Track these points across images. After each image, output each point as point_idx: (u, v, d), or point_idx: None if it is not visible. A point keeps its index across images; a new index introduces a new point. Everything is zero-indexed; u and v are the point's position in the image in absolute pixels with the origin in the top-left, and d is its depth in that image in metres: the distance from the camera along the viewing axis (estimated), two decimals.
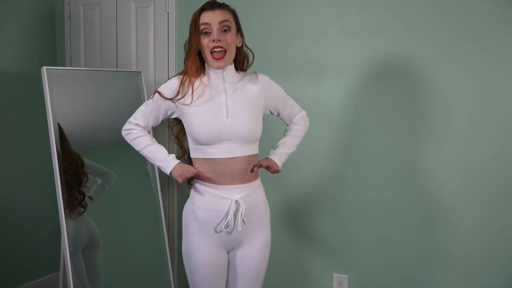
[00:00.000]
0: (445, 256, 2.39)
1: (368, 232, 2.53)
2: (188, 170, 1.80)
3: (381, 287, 2.52)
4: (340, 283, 2.59)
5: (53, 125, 2.28)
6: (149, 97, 1.91)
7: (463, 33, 2.30)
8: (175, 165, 1.82)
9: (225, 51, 1.77)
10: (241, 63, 1.91)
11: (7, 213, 2.88)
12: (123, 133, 1.92)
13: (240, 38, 1.87)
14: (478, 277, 2.33)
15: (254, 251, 1.84)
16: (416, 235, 2.44)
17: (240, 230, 1.78)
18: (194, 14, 1.81)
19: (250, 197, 1.81)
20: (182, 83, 1.80)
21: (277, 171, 1.89)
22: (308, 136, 2.58)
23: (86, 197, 2.41)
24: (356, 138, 2.53)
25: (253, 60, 1.93)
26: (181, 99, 1.80)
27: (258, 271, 1.88)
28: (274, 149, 1.96)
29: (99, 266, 2.45)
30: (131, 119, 1.92)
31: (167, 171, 1.83)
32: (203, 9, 1.80)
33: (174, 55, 2.89)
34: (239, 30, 1.86)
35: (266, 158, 1.92)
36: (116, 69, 2.99)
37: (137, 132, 1.89)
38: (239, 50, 1.88)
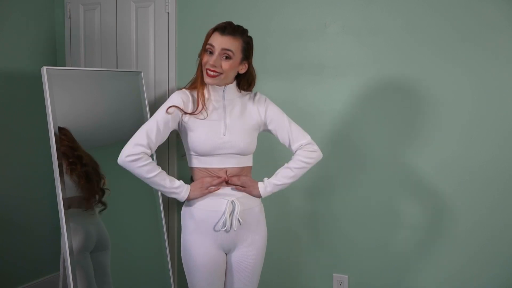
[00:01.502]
0: (445, 256, 2.39)
1: (368, 232, 2.53)
2: (204, 181, 1.82)
3: (381, 287, 2.52)
4: (340, 283, 2.59)
5: (53, 125, 2.29)
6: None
7: (463, 33, 2.30)
8: (190, 187, 1.84)
9: (219, 74, 1.80)
10: (245, 84, 1.95)
11: (7, 213, 2.88)
12: (130, 158, 1.75)
13: (246, 66, 1.88)
14: (478, 277, 2.33)
15: (251, 252, 1.88)
16: (415, 235, 2.44)
17: (235, 229, 1.82)
18: (208, 31, 1.84)
19: (244, 199, 1.86)
20: (199, 99, 1.84)
21: (248, 192, 1.88)
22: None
23: (105, 194, 2.46)
24: (355, 138, 2.53)
25: (255, 82, 1.96)
26: (197, 114, 1.84)
27: (254, 272, 1.91)
28: (268, 177, 1.93)
29: (108, 268, 2.47)
30: (139, 140, 1.77)
31: (184, 196, 1.83)
32: (216, 28, 1.82)
33: (174, 55, 2.89)
34: (246, 59, 1.86)
35: (252, 181, 1.89)
36: (116, 69, 2.99)
37: (148, 158, 1.78)
38: (245, 75, 1.92)
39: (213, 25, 1.85)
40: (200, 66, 1.86)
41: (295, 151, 1.93)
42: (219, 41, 1.79)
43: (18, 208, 2.94)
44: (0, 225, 2.84)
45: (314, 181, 2.61)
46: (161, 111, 1.83)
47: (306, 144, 1.93)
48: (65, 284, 2.44)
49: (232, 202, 1.82)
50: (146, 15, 2.94)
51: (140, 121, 2.71)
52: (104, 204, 2.46)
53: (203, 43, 1.84)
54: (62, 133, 2.33)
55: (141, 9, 2.96)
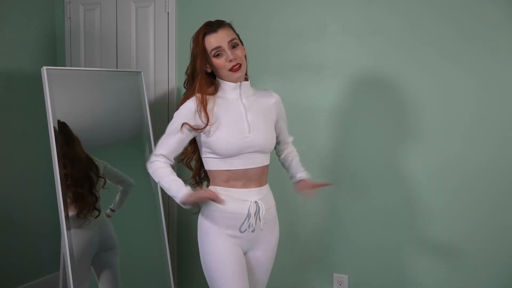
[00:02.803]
0: (445, 256, 2.39)
1: (368, 232, 2.52)
2: (201, 194, 1.73)
3: (381, 287, 2.52)
4: (340, 283, 2.59)
5: (53, 125, 2.29)
6: (169, 122, 1.83)
7: (464, 33, 2.30)
8: (186, 192, 1.74)
9: (241, 64, 1.81)
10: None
11: (8, 212, 2.88)
12: (149, 166, 1.85)
13: (243, 47, 1.89)
14: (478, 277, 2.33)
15: (268, 251, 1.91)
16: (415, 235, 2.43)
17: (262, 229, 1.84)
18: (197, 38, 1.81)
19: (264, 199, 1.87)
20: (199, 111, 1.78)
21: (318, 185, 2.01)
22: (307, 136, 2.59)
23: (99, 199, 2.43)
24: (355, 139, 2.52)
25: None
26: (205, 126, 1.79)
27: (268, 269, 1.96)
28: (298, 172, 2.05)
29: (117, 268, 2.47)
30: (159, 150, 1.83)
31: (178, 200, 1.76)
32: (205, 33, 1.80)
33: (174, 55, 2.89)
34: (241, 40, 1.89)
35: (303, 181, 2.02)
36: (116, 69, 2.99)
37: (158, 164, 1.81)
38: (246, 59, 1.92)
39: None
40: (200, 76, 1.81)
41: (285, 150, 2.07)
42: (220, 38, 1.78)
43: (18, 208, 2.94)
44: (0, 225, 2.84)
45: None
46: (175, 125, 1.80)
47: (291, 144, 2.10)
48: (65, 284, 2.44)
49: (256, 202, 1.81)
50: (146, 15, 2.94)
51: (140, 121, 2.71)
52: (97, 210, 2.42)
53: (199, 54, 1.79)
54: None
55: (141, 9, 2.96)
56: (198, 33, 1.82)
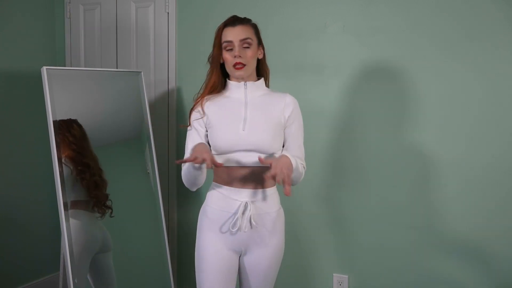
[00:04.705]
0: (445, 257, 2.39)
1: (368, 232, 2.52)
2: (202, 153, 1.65)
3: (381, 287, 2.52)
4: (340, 283, 2.59)
5: (53, 125, 2.29)
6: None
7: (465, 32, 2.29)
8: (198, 143, 1.77)
9: (245, 65, 1.83)
10: (264, 74, 1.96)
11: (8, 212, 2.88)
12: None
13: (262, 50, 1.91)
14: (480, 277, 2.33)
15: (263, 257, 1.85)
16: (416, 236, 2.43)
17: (245, 231, 1.80)
18: (218, 28, 1.87)
19: (261, 202, 1.83)
20: (198, 105, 1.88)
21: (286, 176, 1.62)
22: (307, 136, 2.59)
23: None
24: (356, 139, 2.52)
25: (269, 75, 1.98)
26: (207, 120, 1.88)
27: (267, 277, 1.88)
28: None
29: (113, 271, 2.47)
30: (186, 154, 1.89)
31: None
32: (225, 24, 1.85)
33: (174, 55, 2.89)
34: (260, 43, 1.91)
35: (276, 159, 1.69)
36: (116, 69, 2.99)
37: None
38: (262, 62, 1.93)
39: (213, 25, 1.88)
40: (215, 69, 1.87)
41: None
42: (235, 34, 1.82)
43: (18, 208, 2.94)
44: (0, 225, 2.84)
45: (314, 181, 2.61)
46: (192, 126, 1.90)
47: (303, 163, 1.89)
48: (65, 284, 2.44)
49: (246, 203, 1.79)
50: (146, 15, 2.94)
51: (140, 121, 2.71)
52: (109, 208, 2.47)
53: (216, 43, 1.85)
54: (72, 133, 2.33)
55: (141, 9, 2.96)
56: (221, 23, 1.87)
